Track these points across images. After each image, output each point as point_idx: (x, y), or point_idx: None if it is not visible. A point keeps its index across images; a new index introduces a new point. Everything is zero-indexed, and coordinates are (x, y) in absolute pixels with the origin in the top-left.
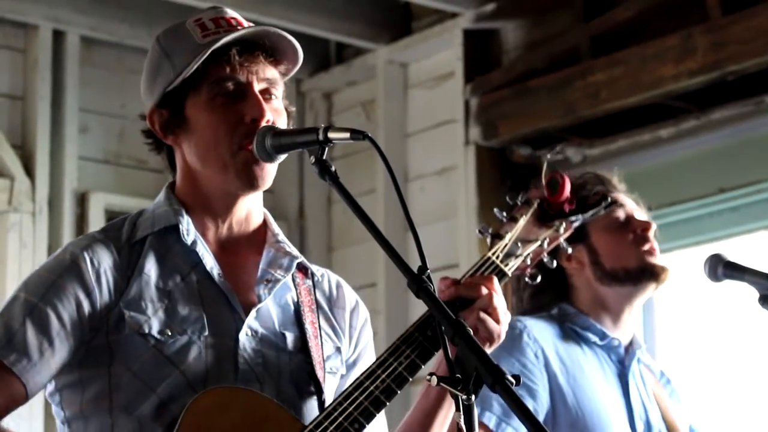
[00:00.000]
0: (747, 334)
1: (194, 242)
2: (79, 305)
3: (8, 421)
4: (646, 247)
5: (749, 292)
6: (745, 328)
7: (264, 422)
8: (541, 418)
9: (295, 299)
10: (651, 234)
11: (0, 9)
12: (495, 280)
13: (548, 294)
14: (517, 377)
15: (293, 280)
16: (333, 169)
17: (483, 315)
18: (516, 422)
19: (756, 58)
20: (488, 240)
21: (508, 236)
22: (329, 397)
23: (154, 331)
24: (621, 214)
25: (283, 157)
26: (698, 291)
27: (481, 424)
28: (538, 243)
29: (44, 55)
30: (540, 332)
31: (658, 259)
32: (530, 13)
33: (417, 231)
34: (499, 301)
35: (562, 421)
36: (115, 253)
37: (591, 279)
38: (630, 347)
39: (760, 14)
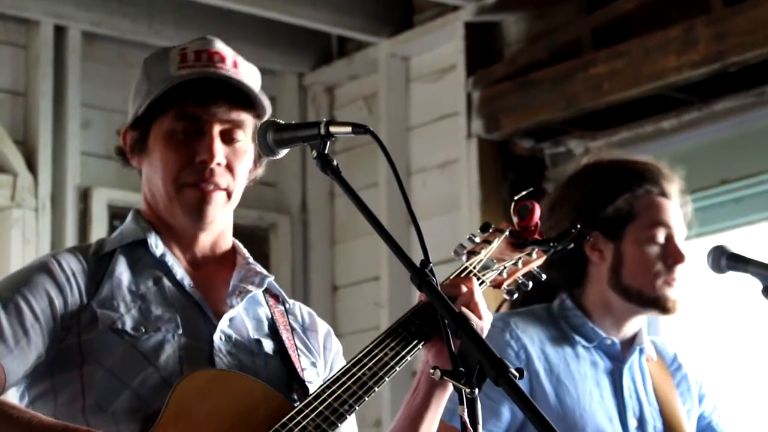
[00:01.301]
0: (750, 326)
1: (163, 254)
2: (51, 301)
3: None
4: (669, 279)
5: (752, 284)
6: (749, 319)
7: (255, 403)
8: (518, 418)
9: (269, 316)
10: (679, 268)
11: (1, 5)
12: (474, 280)
13: (564, 272)
14: (520, 370)
15: (266, 302)
16: (335, 163)
17: (465, 311)
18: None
19: (758, 50)
20: (464, 257)
21: (483, 252)
22: None
23: (128, 328)
24: (661, 234)
25: (284, 151)
26: (701, 283)
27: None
28: (513, 262)
29: (46, 51)
30: (525, 330)
31: (673, 291)
32: (532, 5)
33: (419, 224)
34: (480, 298)
35: None
36: (84, 262)
37: (604, 279)
38: (632, 342)
39: (762, 5)
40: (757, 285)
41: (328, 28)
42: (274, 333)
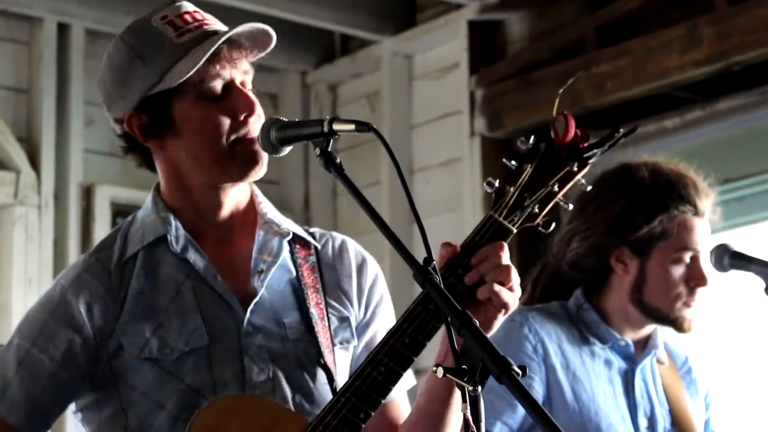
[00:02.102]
0: (754, 324)
1: (184, 249)
2: (71, 343)
3: None
4: (688, 301)
5: (755, 282)
6: (752, 318)
7: (270, 427)
8: None
9: (295, 279)
10: (701, 290)
11: (5, 2)
12: (506, 248)
13: (586, 276)
14: (523, 368)
15: (294, 260)
16: (338, 161)
17: (497, 287)
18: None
19: (761, 49)
20: (493, 196)
21: (511, 189)
22: (342, 374)
23: (155, 352)
24: (687, 256)
25: (288, 149)
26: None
27: None
28: (547, 190)
29: (49, 48)
30: (543, 325)
31: (691, 312)
32: (535, 3)
33: (422, 223)
34: (513, 271)
35: (559, 416)
36: (106, 278)
37: (626, 291)
38: (646, 344)
39: (765, 4)
40: (760, 283)
41: (331, 26)
42: (301, 306)
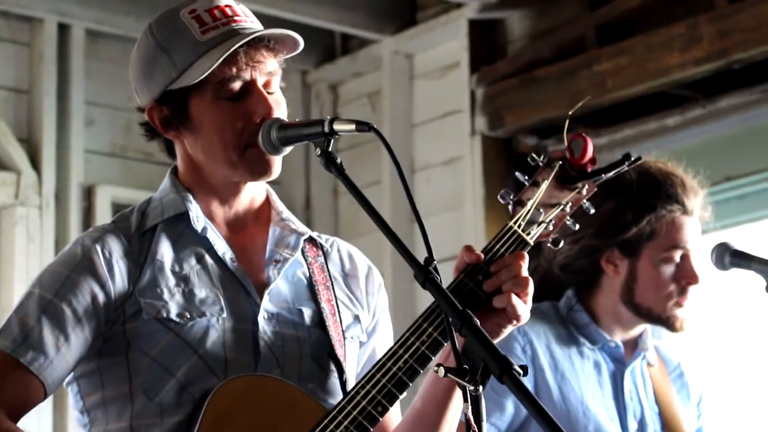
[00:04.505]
0: (754, 323)
1: (204, 228)
2: (94, 298)
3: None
4: (680, 300)
5: (756, 281)
6: (753, 316)
7: (289, 411)
8: (522, 413)
9: (307, 275)
10: (693, 288)
11: (5, 3)
12: (526, 259)
13: (577, 278)
14: (524, 367)
15: (305, 257)
16: (339, 160)
17: (515, 300)
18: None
19: (762, 46)
20: (510, 207)
21: (529, 203)
22: (351, 368)
23: (173, 315)
24: (677, 254)
25: (289, 149)
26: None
27: None
28: (561, 207)
29: (50, 49)
30: (533, 326)
31: (683, 311)
32: (536, 2)
33: (423, 222)
34: (530, 284)
35: None
36: (126, 243)
37: (617, 292)
38: (635, 345)
39: (765, 2)
40: (761, 282)
41: (331, 25)
42: (313, 295)
